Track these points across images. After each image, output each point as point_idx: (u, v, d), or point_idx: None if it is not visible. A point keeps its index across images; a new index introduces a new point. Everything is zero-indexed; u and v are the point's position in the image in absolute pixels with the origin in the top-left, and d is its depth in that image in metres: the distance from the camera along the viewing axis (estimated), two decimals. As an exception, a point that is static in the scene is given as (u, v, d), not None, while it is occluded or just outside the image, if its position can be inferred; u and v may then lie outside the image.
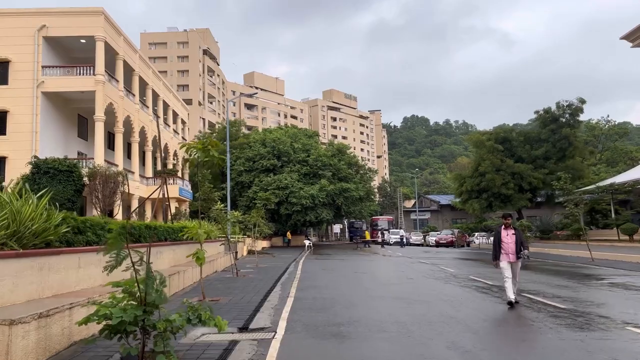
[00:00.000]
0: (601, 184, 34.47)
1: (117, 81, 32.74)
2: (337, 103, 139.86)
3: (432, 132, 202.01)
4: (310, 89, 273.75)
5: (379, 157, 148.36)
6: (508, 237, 9.85)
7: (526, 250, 9.98)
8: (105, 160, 30.01)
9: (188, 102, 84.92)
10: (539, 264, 20.80)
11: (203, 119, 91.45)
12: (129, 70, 35.28)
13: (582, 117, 36.72)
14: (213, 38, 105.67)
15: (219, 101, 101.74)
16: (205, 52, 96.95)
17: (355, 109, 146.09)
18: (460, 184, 38.93)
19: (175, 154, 48.21)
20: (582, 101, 35.82)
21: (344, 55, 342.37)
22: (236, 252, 25.67)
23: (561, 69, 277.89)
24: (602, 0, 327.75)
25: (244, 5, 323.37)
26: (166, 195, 15.64)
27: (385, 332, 7.07)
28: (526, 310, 9.05)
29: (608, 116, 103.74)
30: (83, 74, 30.45)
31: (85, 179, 26.43)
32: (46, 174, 25.22)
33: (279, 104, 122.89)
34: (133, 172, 35.98)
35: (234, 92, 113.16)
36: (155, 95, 42.09)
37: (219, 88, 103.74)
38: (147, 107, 39.16)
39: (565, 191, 22.48)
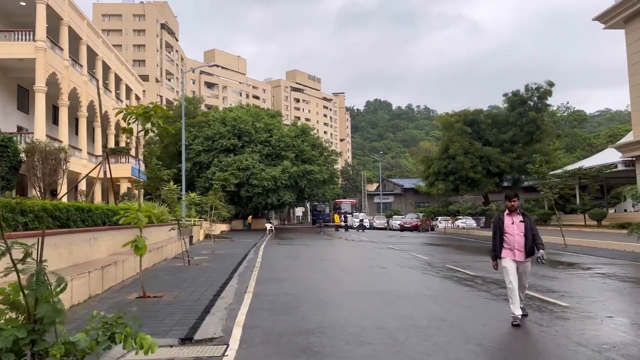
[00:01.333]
0: (568, 168, 34.27)
1: (62, 49, 29.84)
2: (301, 84, 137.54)
3: (395, 117, 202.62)
4: (278, 70, 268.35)
5: (341, 140, 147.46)
6: (514, 227, 7.05)
7: (542, 251, 7.04)
8: (47, 136, 27.30)
9: (144, 78, 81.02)
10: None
11: (160, 96, 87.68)
12: (75, 39, 32.34)
13: (550, 101, 36.33)
14: (172, 12, 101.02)
15: (177, 78, 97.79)
16: (163, 26, 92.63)
17: (319, 90, 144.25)
18: (428, 166, 37.93)
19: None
20: (551, 84, 35.28)
21: (313, 37, 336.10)
22: (191, 237, 23.75)
23: (524, 58, 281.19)
24: None
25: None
26: (108, 173, 13.60)
27: (367, 344, 5.57)
28: (526, 309, 7.76)
29: (567, 103, 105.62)
30: (22, 40, 27.48)
31: (23, 155, 23.84)
32: (-24, 149, 22.54)
33: (240, 83, 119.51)
34: (80, 150, 33.28)
35: (193, 70, 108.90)
36: (107, 68, 39.01)
37: (177, 65, 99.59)
38: (97, 79, 36.22)
39: (540, 175, 21.68)
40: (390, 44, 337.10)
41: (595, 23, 29.30)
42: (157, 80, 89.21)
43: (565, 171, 32.55)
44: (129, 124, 8.88)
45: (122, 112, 8.73)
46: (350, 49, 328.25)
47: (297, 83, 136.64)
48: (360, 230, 44.45)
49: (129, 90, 44.93)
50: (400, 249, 20.62)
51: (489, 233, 31.96)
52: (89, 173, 18.53)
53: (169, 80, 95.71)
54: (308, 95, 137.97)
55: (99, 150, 37.57)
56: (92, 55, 35.44)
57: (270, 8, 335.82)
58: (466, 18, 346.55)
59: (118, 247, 12.10)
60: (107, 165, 15.24)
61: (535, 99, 35.82)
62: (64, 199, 25.95)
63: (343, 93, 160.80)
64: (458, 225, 42.64)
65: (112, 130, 40.26)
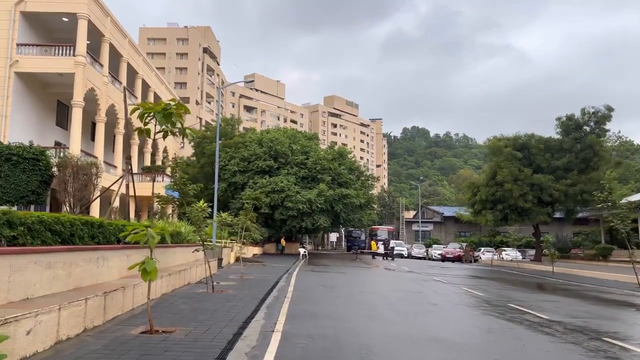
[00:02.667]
0: (632, 198, 31.29)
1: (102, 65, 29.75)
2: (338, 110, 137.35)
3: (432, 144, 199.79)
4: (319, 96, 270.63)
5: (378, 166, 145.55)
6: None
7: None
8: (82, 151, 26.88)
9: (185, 100, 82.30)
10: (580, 289, 17.59)
11: (200, 118, 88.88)
12: (116, 56, 32.36)
13: (607, 127, 33.43)
14: (214, 36, 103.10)
15: (217, 101, 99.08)
16: (205, 50, 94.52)
17: (356, 116, 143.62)
18: (473, 193, 35.43)
19: (165, 150, 45.04)
20: (610, 109, 32.60)
21: (357, 64, 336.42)
22: (220, 260, 22.35)
23: (570, 89, 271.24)
24: (614, 24, 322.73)
25: (263, 12, 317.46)
26: (130, 187, 12.26)
27: None
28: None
29: (619, 132, 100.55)
30: (62, 55, 27.49)
31: (55, 169, 23.27)
32: (8, 161, 22.02)
33: (279, 107, 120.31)
34: (115, 167, 32.94)
35: (233, 94, 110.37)
36: (146, 86, 38.99)
37: (218, 88, 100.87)
38: (136, 97, 36.14)
39: (610, 204, 19.35)
40: (432, 73, 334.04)
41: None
42: (197, 103, 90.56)
43: (630, 202, 29.66)
44: (146, 123, 7.58)
45: (138, 109, 7.44)
46: (391, 76, 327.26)
47: (334, 108, 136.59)
48: (390, 259, 40.60)
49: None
50: (449, 282, 18.51)
51: (543, 267, 29.39)
52: (111, 186, 17.48)
53: (209, 103, 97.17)
54: (345, 120, 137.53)
55: (135, 168, 37.24)
56: (132, 73, 35.38)
57: (317, 36, 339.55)
58: (512, 48, 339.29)
59: (133, 269, 10.75)
60: (129, 177, 14.10)
61: (592, 124, 33.17)
62: (96, 214, 25.18)
63: (380, 119, 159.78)
64: (503, 258, 39.74)
65: (148, 149, 40.08)
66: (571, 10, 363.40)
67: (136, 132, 34.70)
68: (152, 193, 11.06)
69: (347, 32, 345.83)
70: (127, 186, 14.23)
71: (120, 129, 33.04)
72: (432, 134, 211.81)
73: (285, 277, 17.90)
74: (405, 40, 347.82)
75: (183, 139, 8.43)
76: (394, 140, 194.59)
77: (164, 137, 7.59)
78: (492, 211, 33.12)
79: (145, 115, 7.40)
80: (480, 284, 18.42)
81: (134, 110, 7.46)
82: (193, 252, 12.60)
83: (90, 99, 28.16)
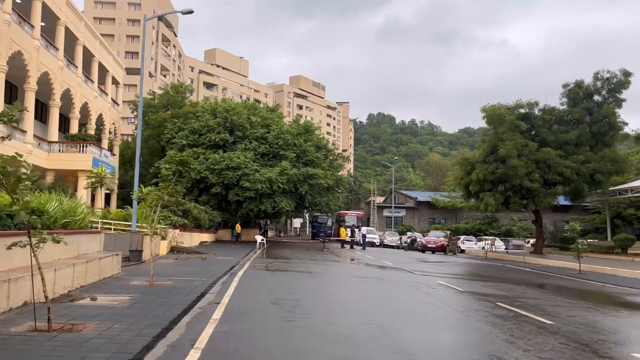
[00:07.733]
0: (635, 184, 26.33)
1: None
2: (305, 90, 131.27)
3: (398, 131, 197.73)
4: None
5: (344, 150, 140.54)
6: None
7: None
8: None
9: (137, 72, 74.17)
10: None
11: (154, 92, 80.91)
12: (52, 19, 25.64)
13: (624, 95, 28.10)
14: (171, 4, 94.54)
15: (173, 74, 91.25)
16: (160, 17, 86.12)
17: (323, 98, 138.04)
18: (467, 172, 29.47)
19: (100, 118, 37.55)
20: (627, 74, 27.36)
21: (346, 52, 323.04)
22: (138, 252, 15.95)
23: (555, 81, 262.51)
24: (598, 21, 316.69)
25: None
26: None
27: None
28: None
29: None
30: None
31: None
32: None
33: (241, 85, 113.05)
34: (25, 132, 25.97)
35: (192, 69, 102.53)
36: (72, 39, 31.49)
37: (174, 60, 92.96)
38: (57, 49, 29.02)
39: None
40: (420, 63, 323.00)
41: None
42: (150, 75, 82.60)
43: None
44: None
45: None
46: (379, 64, 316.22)
47: (300, 89, 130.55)
48: (361, 248, 36.00)
49: (104, 71, 37.39)
50: (465, 290, 12.59)
51: (556, 262, 21.83)
52: None
53: (165, 76, 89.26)
54: (311, 102, 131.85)
55: (54, 135, 30.07)
56: (51, 18, 28.31)
57: (312, 22, 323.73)
58: (506, 44, 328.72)
59: None
60: None
61: (604, 92, 28.00)
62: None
63: (347, 102, 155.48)
64: (495, 249, 34.23)
65: (75, 114, 32.80)
66: (564, 6, 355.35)
67: (85, 112, 26.89)
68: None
69: (342, 17, 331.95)
70: None
71: (32, 84, 26.01)
72: (397, 121, 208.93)
73: (222, 282, 11.66)
74: (400, 28, 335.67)
75: None
76: (359, 126, 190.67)
77: None
78: (492, 193, 27.31)
79: None
80: (514, 293, 12.45)
81: None
82: (8, 248, 6.19)
83: None
